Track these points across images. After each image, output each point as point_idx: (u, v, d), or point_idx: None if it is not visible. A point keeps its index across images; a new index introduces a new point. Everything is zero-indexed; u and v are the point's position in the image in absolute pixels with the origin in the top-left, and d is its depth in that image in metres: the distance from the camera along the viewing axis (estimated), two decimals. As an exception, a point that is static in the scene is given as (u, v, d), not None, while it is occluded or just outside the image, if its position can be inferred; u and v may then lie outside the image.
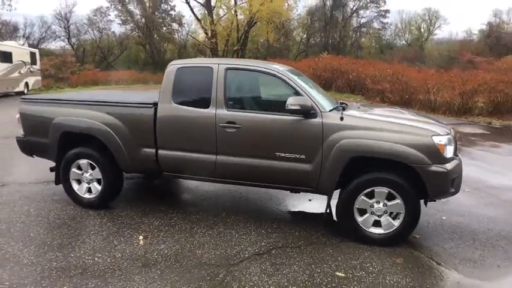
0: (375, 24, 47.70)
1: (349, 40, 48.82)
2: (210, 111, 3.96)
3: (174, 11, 37.80)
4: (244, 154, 3.94)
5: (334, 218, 4.16)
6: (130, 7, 37.10)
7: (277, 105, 4.01)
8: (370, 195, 3.75)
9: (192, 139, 4.05)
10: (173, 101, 4.08)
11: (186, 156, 4.10)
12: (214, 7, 36.25)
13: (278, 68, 4.07)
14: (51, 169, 4.85)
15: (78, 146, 4.47)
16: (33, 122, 4.65)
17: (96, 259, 3.41)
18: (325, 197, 4.06)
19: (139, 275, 3.18)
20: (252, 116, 3.92)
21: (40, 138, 4.60)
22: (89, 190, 4.54)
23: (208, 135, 3.97)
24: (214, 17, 35.62)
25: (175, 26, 38.58)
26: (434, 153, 3.57)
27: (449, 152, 3.66)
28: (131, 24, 36.85)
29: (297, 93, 3.84)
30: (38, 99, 4.79)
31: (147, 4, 36.93)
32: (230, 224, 4.23)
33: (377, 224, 3.81)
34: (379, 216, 3.78)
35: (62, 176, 4.58)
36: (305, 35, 46.64)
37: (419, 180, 3.62)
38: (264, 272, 3.28)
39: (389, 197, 3.72)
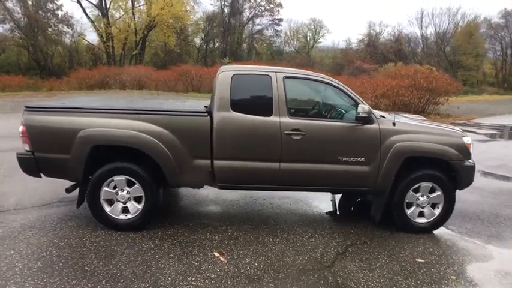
0: (269, 32, 50.65)
1: (245, 46, 50.78)
2: (274, 119, 3.96)
3: (61, 10, 33.87)
4: (308, 160, 4.05)
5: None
6: (9, 4, 31.76)
7: (334, 113, 4.26)
8: (416, 190, 4.27)
9: (255, 147, 3.98)
10: (232, 109, 3.95)
11: (247, 165, 4.00)
12: (109, 8, 33.79)
13: (329, 77, 4.29)
14: (68, 190, 4.16)
15: (110, 161, 3.95)
16: (47, 135, 3.90)
17: (194, 283, 3.13)
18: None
19: (254, 291, 3.06)
20: (316, 123, 4.06)
21: (56, 155, 3.91)
22: (124, 210, 4.04)
23: (273, 142, 3.96)
24: (109, 19, 33.22)
25: (63, 27, 34.46)
26: (465, 151, 4.27)
27: (471, 149, 4.42)
28: (11, 24, 31.53)
29: (353, 102, 4.13)
30: (52, 108, 4.02)
31: (29, 2, 32.18)
32: (288, 230, 4.27)
33: (421, 214, 4.34)
34: (423, 207, 4.32)
35: (89, 197, 3.97)
36: (204, 41, 46.80)
37: (453, 174, 4.28)
38: (361, 268, 3.49)
39: (431, 190, 4.29)
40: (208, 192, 5.38)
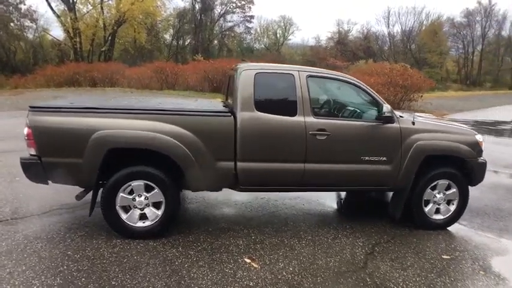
0: (240, 29, 50.38)
1: (217, 43, 50.29)
2: (299, 119, 3.87)
3: (24, 4, 31.83)
4: (332, 160, 3.99)
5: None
6: (-32, -2, 29.43)
7: (355, 112, 4.23)
8: (433, 188, 4.32)
9: (280, 148, 3.86)
10: (256, 108, 3.81)
11: (271, 167, 3.88)
12: (75, 2, 32.20)
13: (350, 76, 4.25)
14: (78, 197, 3.88)
15: (127, 165, 3.70)
16: (56, 137, 3.59)
17: (233, 292, 2.99)
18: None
19: (298, 297, 2.97)
20: (340, 123, 4.01)
21: (67, 159, 3.62)
22: (141, 217, 3.81)
23: (298, 143, 3.86)
24: (77, 13, 31.68)
25: (26, 21, 32.43)
26: (478, 149, 4.39)
27: (483, 147, 4.53)
28: (-30, 18, 29.17)
29: (374, 101, 4.13)
30: (61, 108, 3.71)
31: (-11, -4, 30.05)
32: (310, 231, 4.20)
33: (437, 211, 4.41)
34: (439, 204, 4.38)
35: (104, 204, 3.71)
36: (175, 37, 45.87)
37: (467, 171, 4.37)
38: (394, 268, 3.49)
39: (447, 187, 4.36)
40: (217, 194, 5.19)
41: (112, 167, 3.71)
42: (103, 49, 32.71)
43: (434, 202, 4.36)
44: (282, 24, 56.50)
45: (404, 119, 4.20)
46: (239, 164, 3.83)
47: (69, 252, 3.51)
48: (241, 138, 3.77)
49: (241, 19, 48.47)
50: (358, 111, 4.27)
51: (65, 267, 3.26)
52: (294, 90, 3.91)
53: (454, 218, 4.44)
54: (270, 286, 3.10)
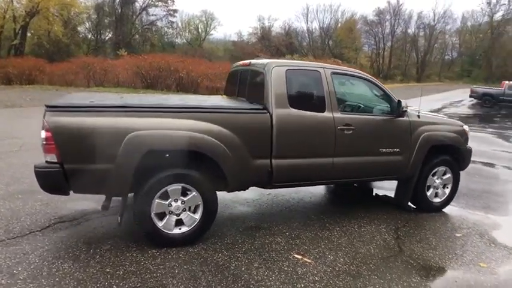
0: (163, 23, 48.61)
1: (139, 37, 47.86)
2: (328, 114, 3.98)
3: None
4: (356, 153, 4.18)
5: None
6: None
7: (370, 107, 4.48)
8: (433, 174, 4.79)
9: (312, 144, 3.94)
10: (290, 105, 3.82)
11: (304, 162, 3.94)
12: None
13: (366, 73, 4.48)
14: (104, 207, 3.51)
15: (160, 168, 3.45)
16: (83, 141, 3.17)
17: (305, 288, 3.00)
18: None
19: (364, 284, 3.10)
20: (363, 118, 4.23)
21: (95, 165, 3.24)
22: (177, 223, 3.58)
23: (329, 138, 3.98)
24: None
25: None
26: (466, 138, 4.99)
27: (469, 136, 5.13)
28: None
29: (386, 96, 4.42)
30: (86, 107, 3.28)
31: None
32: (334, 223, 4.36)
33: (436, 195, 4.89)
34: (437, 189, 4.87)
35: (139, 213, 3.42)
36: (94, 31, 42.53)
37: (458, 157, 4.92)
38: (425, 248, 3.83)
39: (443, 173, 4.86)
40: (225, 194, 5.03)
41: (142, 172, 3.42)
42: (14, 43, 29.04)
43: (434, 187, 4.84)
44: (204, 19, 55.82)
45: (411, 112, 4.57)
46: (274, 161, 3.81)
47: (108, 270, 3.17)
48: (277, 135, 3.76)
49: (164, 13, 46.83)
50: (375, 106, 4.53)
51: (115, 286, 2.94)
52: (321, 87, 4.01)
53: (449, 200, 4.98)
54: (335, 278, 3.18)
